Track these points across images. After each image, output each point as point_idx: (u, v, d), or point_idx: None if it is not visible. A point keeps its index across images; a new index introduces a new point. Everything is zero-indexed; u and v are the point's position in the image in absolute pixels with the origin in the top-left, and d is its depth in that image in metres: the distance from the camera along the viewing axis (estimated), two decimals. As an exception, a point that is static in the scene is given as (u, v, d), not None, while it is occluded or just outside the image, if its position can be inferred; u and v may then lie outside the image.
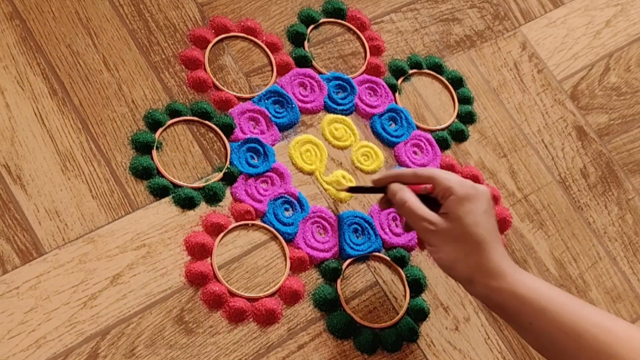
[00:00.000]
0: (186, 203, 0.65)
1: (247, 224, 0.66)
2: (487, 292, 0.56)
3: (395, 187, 0.62)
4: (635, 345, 0.50)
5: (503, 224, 0.75)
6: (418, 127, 0.77)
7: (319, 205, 0.69)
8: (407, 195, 0.60)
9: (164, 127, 0.67)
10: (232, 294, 0.63)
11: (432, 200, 0.60)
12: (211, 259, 0.64)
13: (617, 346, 0.51)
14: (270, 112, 0.71)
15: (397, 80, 0.78)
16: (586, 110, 0.85)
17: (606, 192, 0.82)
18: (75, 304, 0.59)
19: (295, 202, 0.68)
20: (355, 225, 0.70)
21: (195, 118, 0.69)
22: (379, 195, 0.67)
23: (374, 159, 0.73)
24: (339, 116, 0.74)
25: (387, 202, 0.64)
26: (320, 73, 0.75)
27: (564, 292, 0.56)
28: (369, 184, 0.66)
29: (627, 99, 0.87)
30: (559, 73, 0.86)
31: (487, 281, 0.56)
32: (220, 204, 0.66)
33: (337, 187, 0.70)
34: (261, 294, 0.64)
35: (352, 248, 0.68)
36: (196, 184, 0.66)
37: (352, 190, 0.68)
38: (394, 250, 0.70)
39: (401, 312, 0.67)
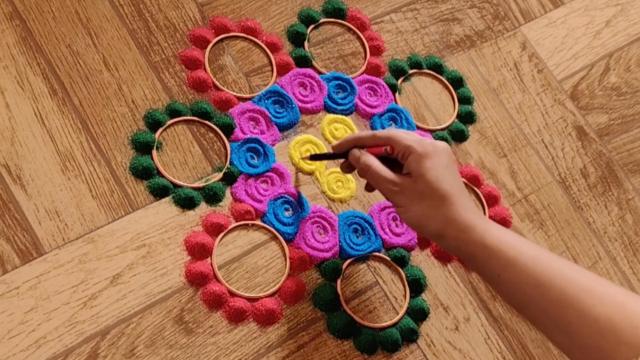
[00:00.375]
0: (186, 203, 0.65)
1: (247, 224, 0.66)
2: (458, 244, 0.56)
3: (356, 152, 0.61)
4: (603, 299, 0.50)
5: (503, 224, 0.75)
6: (418, 127, 0.77)
7: (319, 205, 0.69)
8: (370, 160, 0.60)
9: (164, 127, 0.67)
10: (232, 294, 0.63)
11: (393, 161, 0.60)
12: (211, 259, 0.64)
13: (585, 299, 0.50)
14: (270, 112, 0.71)
15: (397, 80, 0.78)
16: (586, 110, 0.85)
17: (606, 192, 0.82)
18: (75, 304, 0.59)
19: (295, 202, 0.68)
20: (355, 225, 0.70)
21: (195, 118, 0.69)
22: (377, 192, 0.67)
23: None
24: (339, 116, 0.74)
25: (349, 167, 0.64)
26: (320, 73, 0.75)
27: (533, 244, 0.55)
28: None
29: (627, 99, 0.87)
30: (559, 73, 0.86)
31: (456, 234, 0.56)
32: (220, 204, 0.66)
33: (301, 157, 0.70)
34: (261, 294, 0.64)
35: (352, 248, 0.68)
36: (196, 184, 0.66)
37: (313, 157, 0.67)
38: (394, 250, 0.70)
39: (401, 312, 0.67)
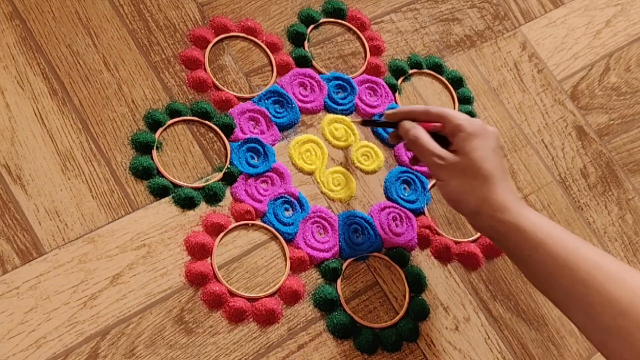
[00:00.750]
0: (186, 203, 0.65)
1: (247, 224, 0.66)
2: (492, 223, 0.58)
3: (407, 124, 0.64)
4: (625, 283, 0.52)
5: (503, 224, 0.75)
6: (418, 127, 0.77)
7: (319, 205, 0.69)
8: (419, 132, 0.62)
9: (164, 127, 0.67)
10: (232, 294, 0.63)
11: (442, 138, 0.62)
12: (211, 259, 0.64)
13: (607, 282, 0.52)
14: (270, 112, 0.71)
15: (397, 80, 0.78)
16: (586, 110, 0.85)
17: (606, 192, 0.82)
18: (75, 304, 0.59)
19: (295, 202, 0.68)
20: (355, 225, 0.70)
21: (195, 118, 0.69)
22: (377, 192, 0.67)
23: (374, 159, 0.73)
24: (339, 116, 0.74)
25: (397, 137, 0.67)
26: (320, 73, 0.75)
27: (564, 229, 0.58)
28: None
29: (627, 99, 0.87)
30: (559, 73, 0.86)
31: (493, 213, 0.58)
32: (220, 204, 0.66)
33: (351, 119, 0.73)
34: (261, 294, 0.64)
35: (352, 248, 0.68)
36: (196, 184, 0.66)
37: (365, 123, 0.71)
38: (394, 250, 0.70)
39: (401, 312, 0.67)
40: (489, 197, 0.58)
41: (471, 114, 0.79)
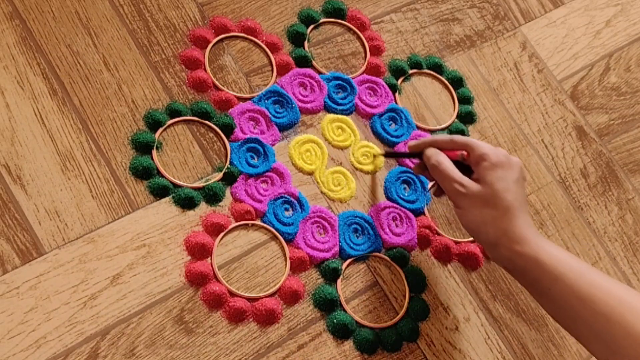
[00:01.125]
0: (186, 203, 0.65)
1: (247, 224, 0.66)
2: (511, 255, 0.58)
3: (430, 151, 0.64)
4: (635, 314, 0.52)
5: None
6: (418, 127, 0.77)
7: (319, 205, 0.69)
8: (441, 158, 0.62)
9: (164, 127, 0.67)
10: (232, 294, 0.63)
11: (466, 167, 0.62)
12: (211, 259, 0.64)
13: (629, 315, 0.52)
14: (270, 112, 0.71)
15: (397, 80, 0.78)
16: (586, 110, 0.85)
17: (606, 192, 0.82)
18: (75, 304, 0.59)
19: (295, 202, 0.68)
20: (355, 225, 0.70)
21: (195, 118, 0.69)
22: (377, 191, 0.67)
23: (374, 159, 0.73)
24: (339, 116, 0.74)
25: (422, 167, 0.66)
26: (320, 73, 0.75)
27: (582, 261, 0.58)
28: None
29: (627, 99, 0.87)
30: (559, 73, 0.86)
31: (511, 245, 0.58)
32: (220, 204, 0.66)
33: (375, 153, 0.73)
34: (261, 294, 0.64)
35: (352, 248, 0.68)
36: (196, 184, 0.66)
37: (388, 155, 0.71)
38: (394, 250, 0.70)
39: (401, 312, 0.67)
40: (509, 229, 0.58)
41: (471, 114, 0.79)
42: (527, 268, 0.58)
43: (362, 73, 0.77)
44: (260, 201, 0.67)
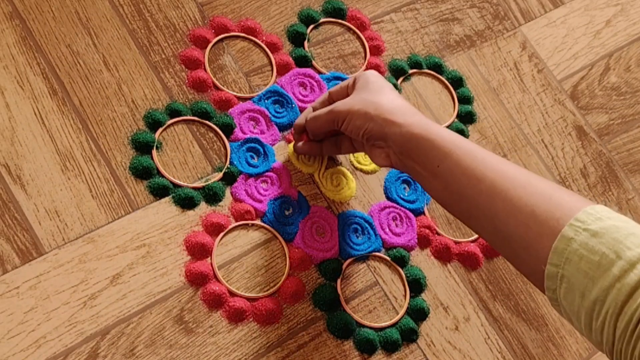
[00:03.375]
0: (186, 203, 0.65)
1: (247, 224, 0.66)
2: (403, 133, 0.58)
3: (299, 123, 0.68)
4: (530, 191, 0.51)
5: (503, 224, 0.75)
6: (418, 127, 0.77)
7: (319, 205, 0.69)
8: (303, 115, 0.67)
9: (164, 127, 0.67)
10: (232, 294, 0.63)
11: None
12: (211, 258, 0.64)
13: (512, 191, 0.51)
14: (270, 112, 0.71)
15: (397, 80, 0.78)
16: (586, 110, 0.85)
17: (606, 192, 0.82)
18: (75, 304, 0.59)
19: (295, 202, 0.68)
20: (355, 225, 0.70)
21: (195, 118, 0.69)
22: (377, 192, 0.67)
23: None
24: (339, 116, 0.74)
25: (329, 144, 0.68)
26: (320, 73, 0.75)
27: (471, 142, 0.57)
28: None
29: (627, 99, 0.87)
30: (559, 73, 0.86)
31: (403, 123, 0.58)
32: (220, 203, 0.66)
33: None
34: (261, 294, 0.64)
35: (352, 248, 0.68)
36: (196, 184, 0.66)
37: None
38: (394, 250, 0.70)
39: (401, 312, 0.67)
40: (394, 109, 0.59)
41: (471, 114, 0.79)
42: (418, 146, 0.57)
43: (362, 73, 0.77)
44: (260, 201, 0.67)
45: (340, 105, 0.62)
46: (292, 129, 0.70)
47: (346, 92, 0.64)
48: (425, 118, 0.59)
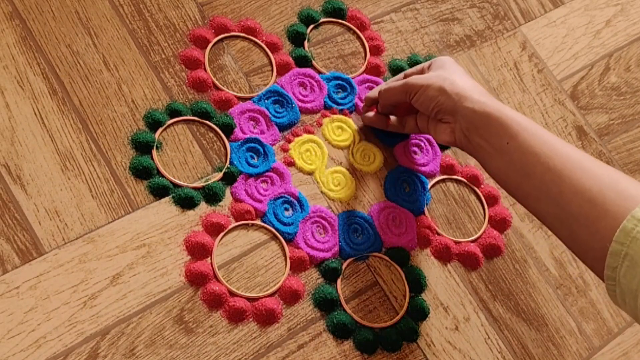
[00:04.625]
0: (186, 203, 0.65)
1: (247, 224, 0.66)
2: (475, 108, 0.60)
3: (371, 96, 0.71)
4: (596, 175, 0.53)
5: (503, 224, 0.75)
6: (418, 127, 0.77)
7: (319, 205, 0.69)
8: (378, 88, 0.69)
9: (164, 127, 0.67)
10: (232, 294, 0.63)
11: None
12: (211, 258, 0.64)
13: (580, 173, 0.54)
14: (270, 112, 0.71)
15: (397, 80, 0.78)
16: (586, 110, 0.85)
17: (606, 192, 0.81)
18: (75, 304, 0.59)
19: (295, 202, 0.68)
20: (355, 225, 0.70)
21: (195, 118, 0.69)
22: (377, 192, 0.67)
23: (374, 159, 0.73)
24: (339, 116, 0.74)
25: (380, 112, 0.72)
26: (320, 73, 0.75)
27: (538, 125, 0.59)
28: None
29: (627, 99, 0.87)
30: (559, 73, 0.86)
31: (477, 98, 0.61)
32: (220, 203, 0.66)
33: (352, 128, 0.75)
34: (261, 294, 0.64)
35: (352, 248, 0.68)
36: (196, 184, 0.66)
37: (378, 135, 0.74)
38: (394, 250, 0.70)
39: (401, 312, 0.67)
40: (467, 86, 0.62)
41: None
42: (489, 123, 0.59)
43: (362, 73, 0.77)
44: (260, 201, 0.67)
45: (416, 78, 0.65)
46: (364, 100, 0.73)
47: (422, 73, 0.67)
48: (496, 100, 0.61)
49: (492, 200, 0.76)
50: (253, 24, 0.75)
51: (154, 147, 0.66)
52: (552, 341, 0.72)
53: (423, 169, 0.74)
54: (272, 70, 0.74)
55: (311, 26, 0.77)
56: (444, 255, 0.72)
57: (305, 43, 0.76)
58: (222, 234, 0.65)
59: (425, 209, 0.73)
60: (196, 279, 0.62)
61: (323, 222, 0.68)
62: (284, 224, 0.67)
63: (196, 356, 0.60)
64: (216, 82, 0.71)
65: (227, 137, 0.69)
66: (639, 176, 0.84)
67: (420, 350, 0.67)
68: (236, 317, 0.62)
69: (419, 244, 0.71)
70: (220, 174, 0.67)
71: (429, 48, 0.82)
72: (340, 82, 0.75)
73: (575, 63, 0.87)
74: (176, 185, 0.65)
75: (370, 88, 0.77)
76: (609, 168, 0.55)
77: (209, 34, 0.72)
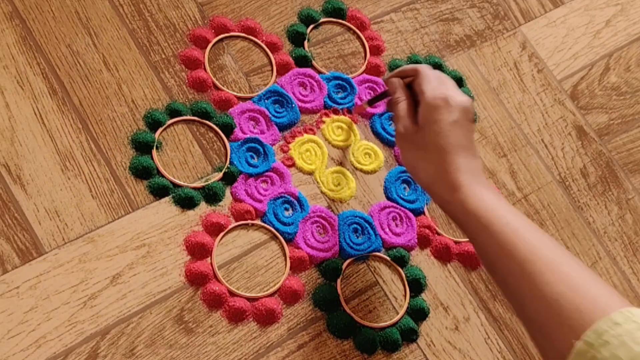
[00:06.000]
0: (186, 203, 0.65)
1: (247, 224, 0.66)
2: (441, 203, 0.57)
3: (395, 82, 0.62)
4: (559, 278, 0.49)
5: (503, 224, 0.75)
6: (418, 127, 0.77)
7: (319, 205, 0.69)
8: (402, 97, 0.60)
9: (164, 127, 0.67)
10: (232, 294, 0.63)
11: None
12: (211, 258, 0.64)
13: (541, 275, 0.50)
14: (270, 112, 0.71)
15: (397, 80, 0.78)
16: (586, 110, 0.85)
17: (606, 191, 0.82)
18: (75, 304, 0.59)
19: (295, 202, 0.68)
20: (355, 225, 0.70)
21: (195, 118, 0.69)
22: (377, 192, 0.67)
23: (374, 159, 0.73)
24: (339, 116, 0.74)
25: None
26: (320, 73, 0.75)
27: (513, 211, 0.55)
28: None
29: (627, 99, 0.87)
30: (558, 73, 0.86)
31: (441, 191, 0.56)
32: (220, 203, 0.66)
33: (355, 112, 0.74)
34: (261, 294, 0.64)
35: (352, 248, 0.68)
36: (196, 184, 0.66)
37: (370, 102, 0.70)
38: (394, 250, 0.70)
39: (401, 312, 0.67)
40: (439, 175, 0.56)
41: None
42: (455, 216, 0.56)
43: (362, 73, 0.77)
44: (260, 201, 0.67)
45: (407, 140, 0.59)
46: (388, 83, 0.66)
47: (420, 93, 0.60)
48: (474, 178, 0.56)
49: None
50: (253, 24, 0.75)
51: (154, 147, 0.66)
52: (552, 341, 0.72)
53: None
54: (272, 70, 0.74)
55: (311, 26, 0.77)
56: (444, 255, 0.72)
57: (305, 43, 0.76)
58: (222, 233, 0.65)
59: (425, 209, 0.73)
60: (196, 279, 0.62)
61: (323, 222, 0.68)
62: (284, 224, 0.67)
63: (196, 356, 0.60)
64: (216, 82, 0.71)
65: (227, 137, 0.69)
66: (639, 176, 0.84)
67: (420, 350, 0.67)
68: (236, 317, 0.62)
69: (419, 244, 0.71)
70: (220, 174, 0.67)
71: (429, 48, 0.82)
72: (340, 82, 0.75)
73: (575, 63, 0.87)
74: (176, 185, 0.65)
75: (370, 88, 0.77)
76: (580, 267, 0.51)
77: (209, 34, 0.72)
